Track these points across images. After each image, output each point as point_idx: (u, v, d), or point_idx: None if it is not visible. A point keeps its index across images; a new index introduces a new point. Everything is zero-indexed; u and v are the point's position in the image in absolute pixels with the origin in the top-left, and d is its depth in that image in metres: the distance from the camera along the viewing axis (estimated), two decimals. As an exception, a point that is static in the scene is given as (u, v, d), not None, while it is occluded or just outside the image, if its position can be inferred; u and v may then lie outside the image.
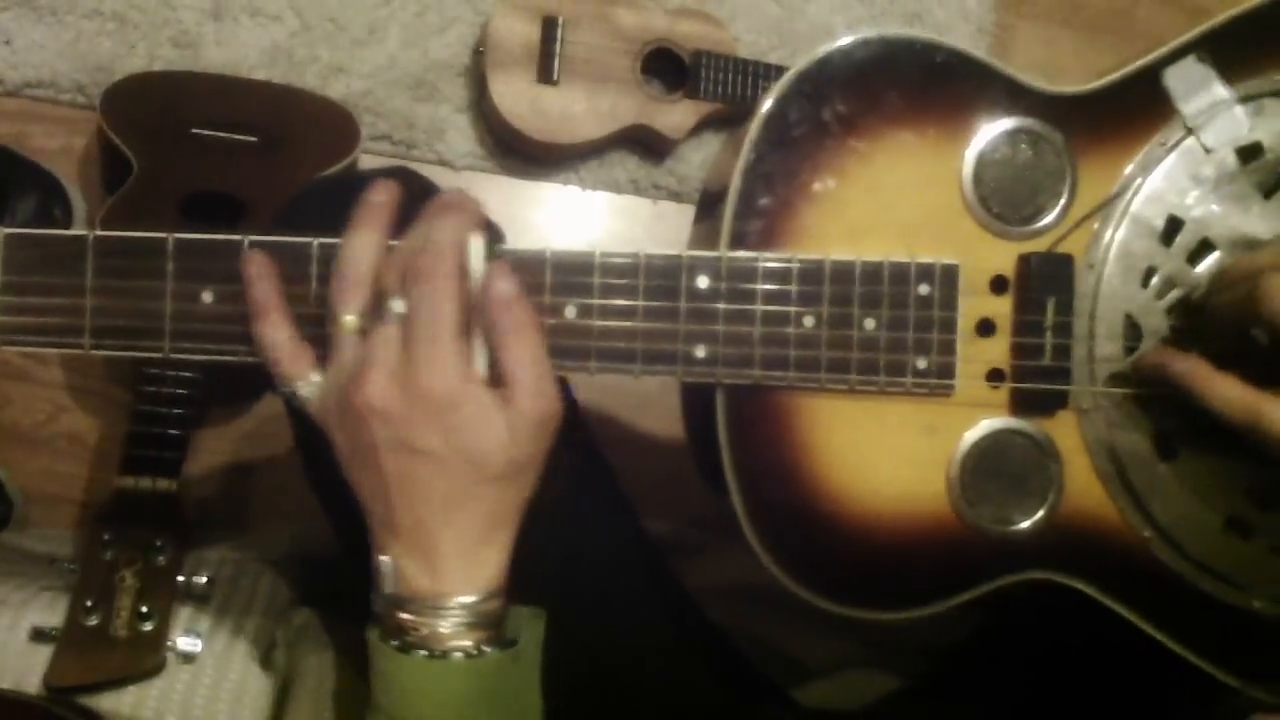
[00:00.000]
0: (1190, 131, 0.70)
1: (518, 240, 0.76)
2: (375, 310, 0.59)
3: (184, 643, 0.82)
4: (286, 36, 1.30)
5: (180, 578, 0.84)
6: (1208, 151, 0.70)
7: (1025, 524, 0.69)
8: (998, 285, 0.69)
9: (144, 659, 0.81)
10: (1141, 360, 0.68)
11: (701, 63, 1.32)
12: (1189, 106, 0.70)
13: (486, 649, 0.60)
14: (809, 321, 0.66)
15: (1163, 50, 0.70)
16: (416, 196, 0.72)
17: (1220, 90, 0.70)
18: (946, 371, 0.68)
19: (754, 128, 0.67)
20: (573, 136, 1.30)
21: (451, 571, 0.59)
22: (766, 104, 0.67)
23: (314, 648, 0.89)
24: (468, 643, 0.59)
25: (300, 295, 0.62)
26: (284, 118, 1.20)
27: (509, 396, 0.58)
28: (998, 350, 0.69)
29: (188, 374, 0.98)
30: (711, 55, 1.32)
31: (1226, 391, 0.64)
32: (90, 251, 0.62)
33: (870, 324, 0.67)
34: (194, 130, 1.15)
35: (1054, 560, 0.69)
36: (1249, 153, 0.70)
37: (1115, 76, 0.70)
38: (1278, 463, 0.65)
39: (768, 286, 0.66)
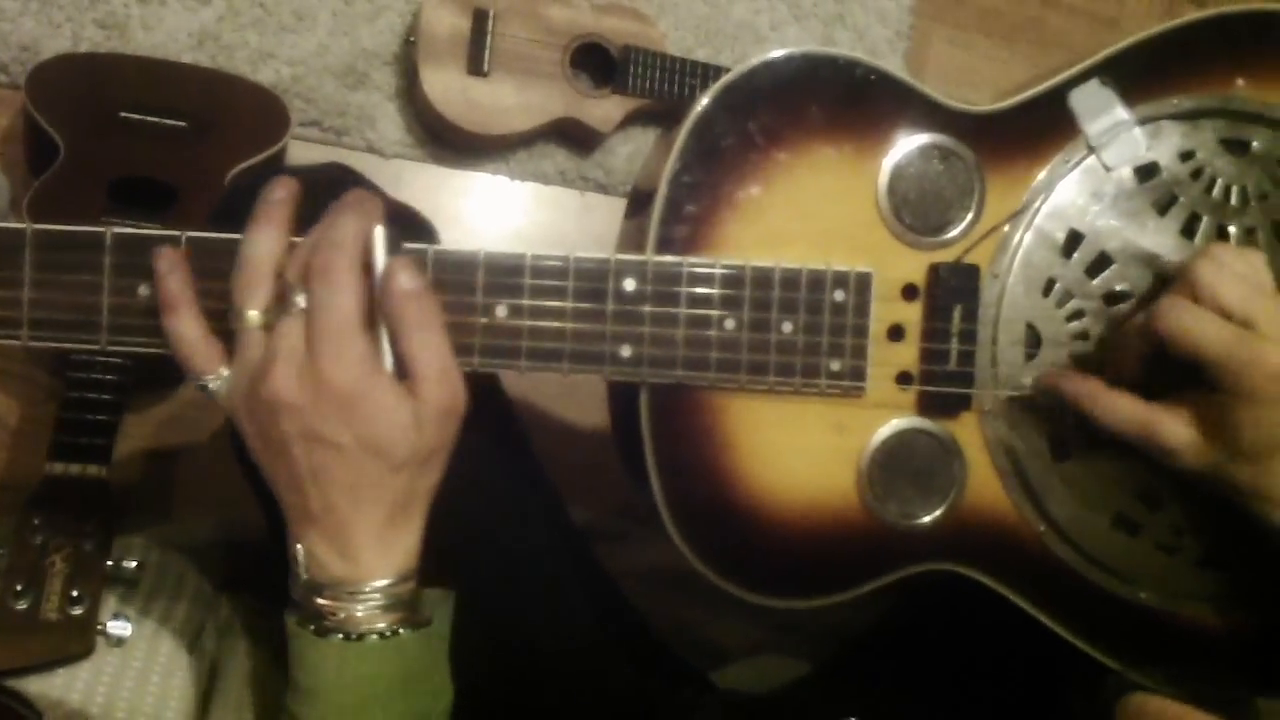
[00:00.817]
0: (1092, 150, 0.74)
1: (446, 228, 0.78)
2: (279, 305, 0.60)
3: (113, 626, 0.82)
4: (214, 20, 1.30)
5: (109, 562, 0.85)
6: (1108, 170, 0.74)
7: (929, 518, 0.73)
8: (909, 293, 0.72)
9: (73, 642, 0.82)
10: (1039, 382, 0.72)
11: (630, 58, 1.34)
12: (1092, 127, 0.74)
13: (402, 630, 0.62)
14: (730, 324, 0.69)
15: (1069, 72, 0.74)
16: (348, 190, 0.73)
17: (1121, 112, 0.74)
18: (858, 374, 0.71)
19: (681, 136, 0.70)
20: (502, 128, 1.32)
21: (365, 557, 0.61)
22: (694, 113, 0.70)
23: (241, 634, 0.91)
24: (382, 625, 0.61)
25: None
26: (213, 103, 1.20)
27: (413, 388, 0.59)
28: (907, 354, 0.72)
29: (116, 361, 0.99)
30: (639, 51, 1.34)
31: (1118, 408, 0.68)
32: (28, 245, 0.63)
33: (788, 327, 0.70)
34: (122, 114, 1.14)
35: (955, 552, 0.73)
36: (1146, 172, 0.74)
37: (1023, 96, 0.74)
38: (1169, 469, 0.70)
39: (692, 290, 0.68)
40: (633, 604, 0.92)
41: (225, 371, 0.61)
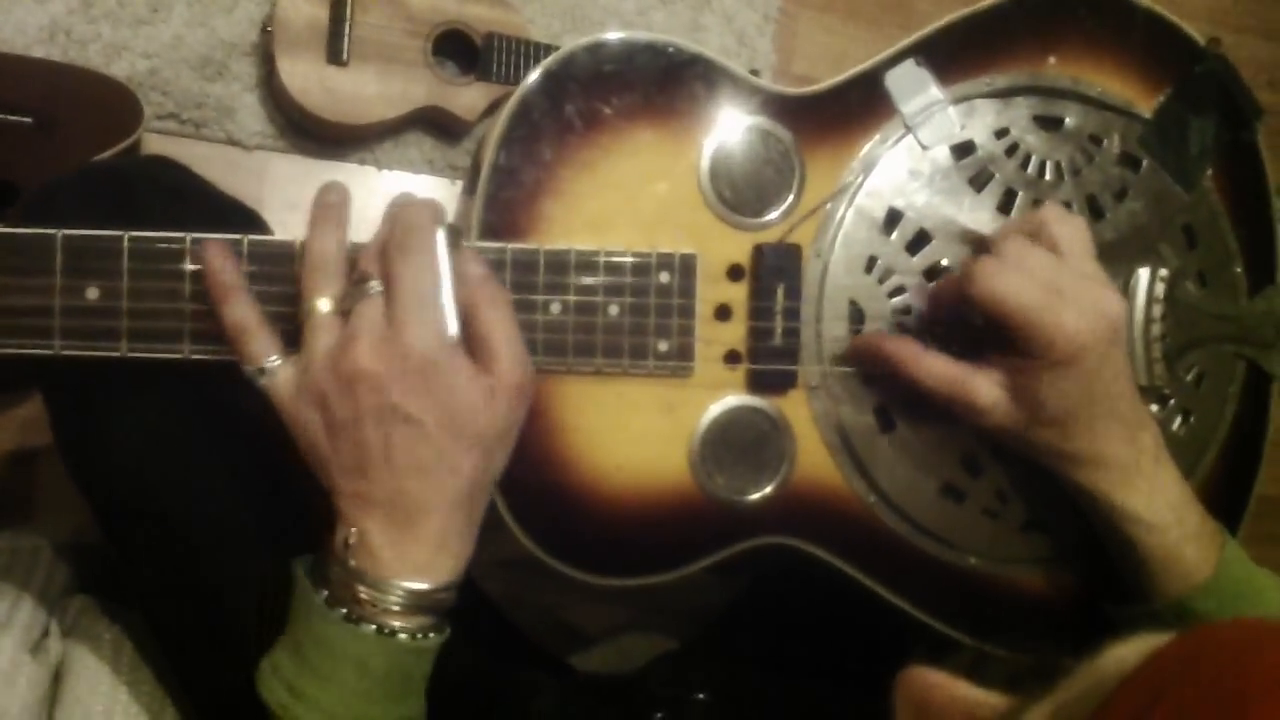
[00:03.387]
0: (909, 130, 0.76)
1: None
2: (350, 294, 0.62)
3: (-50, 634, 0.81)
4: (65, 13, 1.27)
5: (-54, 569, 0.83)
6: (924, 148, 0.76)
7: (761, 494, 0.74)
8: (734, 273, 0.74)
9: (-93, 651, 0.80)
10: (856, 343, 0.74)
11: (493, 45, 1.34)
12: (908, 106, 0.76)
13: (431, 635, 0.62)
14: (556, 308, 0.70)
15: (885, 54, 0.76)
16: (166, 188, 0.73)
17: (936, 92, 0.76)
18: (686, 354, 0.72)
19: (502, 123, 0.70)
20: (364, 117, 1.30)
21: (420, 554, 0.61)
22: (514, 100, 0.70)
23: (90, 633, 0.89)
24: (415, 625, 0.61)
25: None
26: (60, 97, 1.17)
27: (487, 365, 0.61)
28: (734, 334, 0.74)
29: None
30: (503, 38, 1.34)
31: (933, 368, 0.70)
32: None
33: (614, 310, 0.71)
34: (-38, 110, 1.11)
35: (788, 526, 0.75)
36: (962, 150, 0.77)
37: (840, 78, 0.76)
38: (981, 430, 0.72)
39: (516, 276, 0.69)
40: (492, 591, 0.93)
41: (276, 359, 0.62)
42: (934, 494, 0.76)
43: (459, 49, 1.36)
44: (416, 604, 0.61)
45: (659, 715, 0.78)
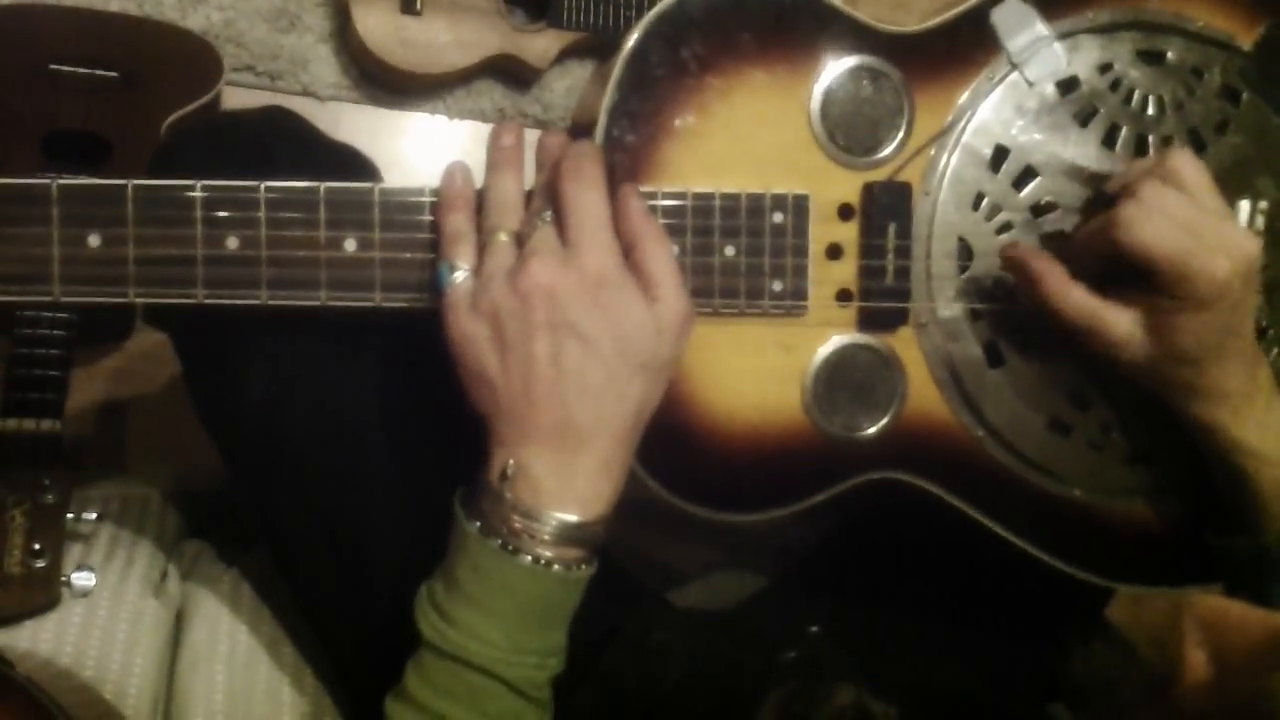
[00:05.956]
0: (1014, 67, 0.76)
1: (384, 170, 0.79)
2: (527, 224, 0.65)
3: (78, 578, 0.83)
4: (140, -33, 1.28)
5: (69, 515, 0.86)
6: (1030, 85, 0.76)
7: (873, 430, 0.76)
8: (844, 213, 0.74)
9: (37, 595, 0.83)
10: (1005, 253, 0.74)
11: (563, -8, 1.34)
12: (1013, 43, 0.76)
13: (583, 568, 0.64)
14: (674, 250, 0.71)
15: (990, -10, 0.76)
16: (291, 136, 0.74)
17: (1041, 28, 0.76)
18: (800, 293, 0.74)
19: (618, 67, 0.71)
20: (437, 66, 1.31)
21: (580, 485, 0.63)
22: (629, 44, 0.71)
23: (208, 575, 0.92)
24: (569, 556, 0.63)
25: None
26: (143, 52, 1.19)
27: (654, 294, 0.63)
28: (845, 272, 0.75)
29: (64, 315, 0.99)
30: (573, -16, 1.34)
31: (1075, 296, 0.71)
32: (-29, 201, 0.63)
33: (730, 251, 0.72)
34: (52, 66, 1.13)
35: (899, 461, 0.76)
36: (1067, 86, 0.77)
37: (947, 16, 0.76)
38: (1111, 362, 0.72)
39: (634, 219, 0.70)
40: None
41: (466, 266, 0.64)
42: (1041, 428, 0.77)
43: (529, -4, 1.36)
44: (570, 536, 0.62)
45: (791, 654, 0.80)
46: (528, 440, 0.62)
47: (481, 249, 0.65)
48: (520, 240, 0.64)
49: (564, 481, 0.62)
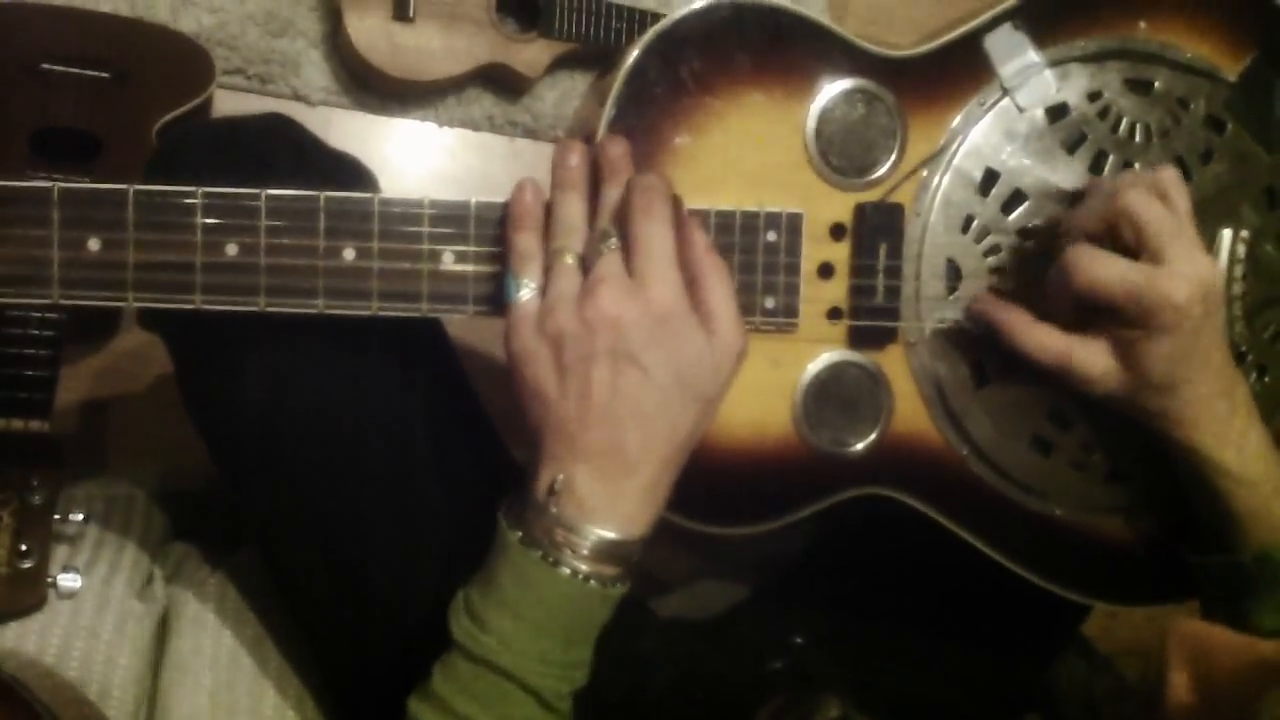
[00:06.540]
0: (1006, 92, 0.78)
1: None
2: (592, 248, 0.65)
3: (64, 579, 0.83)
4: (132, -33, 1.28)
5: (56, 515, 0.86)
6: (1021, 111, 0.78)
7: (860, 445, 0.77)
8: (836, 232, 0.76)
9: (24, 595, 0.83)
10: (971, 309, 0.76)
11: (555, 2, 1.35)
12: (1005, 69, 0.78)
13: (619, 585, 0.65)
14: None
15: (984, 17, 0.78)
16: (290, 144, 0.75)
17: (1032, 55, 0.78)
18: (791, 310, 0.75)
19: (617, 83, 0.72)
20: (428, 73, 1.32)
21: (627, 507, 0.64)
22: (629, 60, 0.72)
23: (193, 578, 0.92)
24: (605, 572, 0.64)
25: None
26: (134, 52, 1.18)
27: (712, 327, 0.64)
28: (836, 291, 0.76)
29: (52, 315, 0.98)
30: (565, -5, 1.35)
31: (1043, 340, 0.73)
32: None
33: (723, 268, 0.73)
34: (43, 65, 1.13)
35: (885, 477, 0.78)
36: (1056, 112, 0.78)
37: (941, 41, 0.77)
38: (1084, 395, 0.74)
39: (630, 234, 0.71)
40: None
41: (533, 285, 0.66)
42: (1024, 446, 0.79)
43: (521, 5, 1.37)
44: (608, 552, 0.63)
45: (778, 664, 0.81)
46: (577, 459, 0.63)
47: (547, 269, 0.66)
48: (585, 263, 0.65)
49: (609, 501, 0.63)
